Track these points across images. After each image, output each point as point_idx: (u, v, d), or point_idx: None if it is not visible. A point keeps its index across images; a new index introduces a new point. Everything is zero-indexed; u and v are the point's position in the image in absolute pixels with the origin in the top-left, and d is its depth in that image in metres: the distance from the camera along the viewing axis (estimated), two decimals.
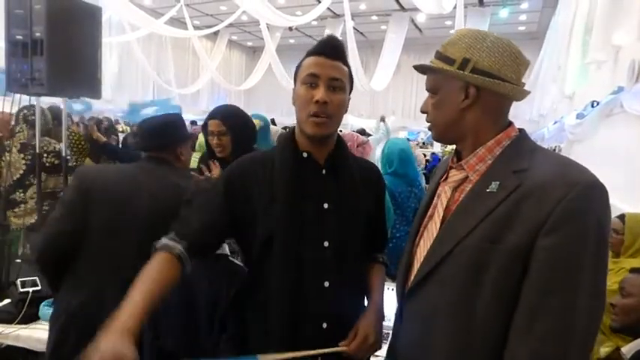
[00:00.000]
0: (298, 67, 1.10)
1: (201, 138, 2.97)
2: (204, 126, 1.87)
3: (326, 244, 1.06)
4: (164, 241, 1.03)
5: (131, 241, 1.37)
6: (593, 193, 0.73)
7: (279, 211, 1.04)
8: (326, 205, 1.08)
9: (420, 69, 0.94)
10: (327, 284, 1.05)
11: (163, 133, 1.59)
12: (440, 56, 0.89)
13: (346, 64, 1.10)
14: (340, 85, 1.07)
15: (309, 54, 1.09)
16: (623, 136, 3.12)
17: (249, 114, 2.00)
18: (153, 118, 1.67)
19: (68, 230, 1.42)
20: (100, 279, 1.41)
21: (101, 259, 1.43)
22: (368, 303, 1.17)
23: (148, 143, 1.61)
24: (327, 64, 1.06)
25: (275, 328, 1.02)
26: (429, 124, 0.95)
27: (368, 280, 1.21)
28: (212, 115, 1.83)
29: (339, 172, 1.12)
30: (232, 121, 1.81)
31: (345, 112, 1.11)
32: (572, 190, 0.72)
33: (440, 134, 0.95)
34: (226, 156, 1.80)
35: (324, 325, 1.04)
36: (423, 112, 0.96)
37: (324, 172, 1.11)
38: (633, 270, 1.58)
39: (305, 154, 1.11)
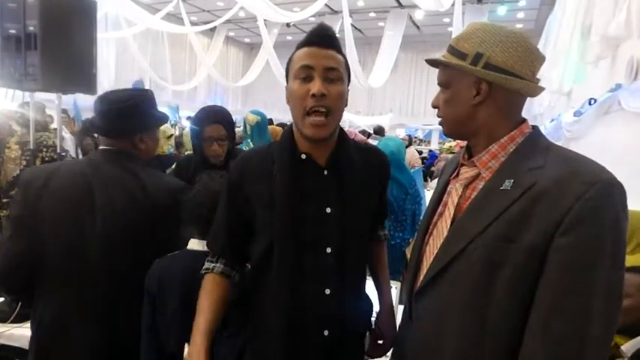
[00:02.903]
0: (289, 62, 1.02)
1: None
2: (198, 131, 1.67)
3: (328, 250, 1.00)
4: (206, 264, 1.11)
5: (91, 261, 1.23)
6: (613, 191, 0.71)
7: (278, 219, 0.98)
8: (328, 210, 1.01)
9: (432, 63, 0.92)
10: (328, 292, 1.00)
11: (121, 116, 1.29)
12: (452, 50, 0.86)
13: (340, 52, 1.02)
14: (337, 76, 0.98)
15: (300, 46, 1.01)
16: (621, 134, 3.11)
17: (247, 110, 1.97)
18: (114, 92, 1.34)
19: (21, 250, 1.24)
20: (62, 302, 1.25)
21: (62, 281, 1.25)
22: (380, 303, 1.23)
23: (104, 127, 1.33)
24: (320, 54, 0.97)
25: (274, 333, 0.98)
26: (439, 119, 0.93)
27: (374, 271, 1.27)
28: (214, 120, 1.65)
29: (342, 173, 1.03)
30: (231, 127, 1.71)
31: (345, 105, 1.03)
32: (591, 189, 0.70)
33: (451, 130, 0.92)
34: (220, 163, 1.68)
35: (326, 333, 1.00)
36: (434, 106, 0.93)
37: (325, 172, 1.03)
38: (628, 269, 1.57)
39: (304, 156, 1.03)
